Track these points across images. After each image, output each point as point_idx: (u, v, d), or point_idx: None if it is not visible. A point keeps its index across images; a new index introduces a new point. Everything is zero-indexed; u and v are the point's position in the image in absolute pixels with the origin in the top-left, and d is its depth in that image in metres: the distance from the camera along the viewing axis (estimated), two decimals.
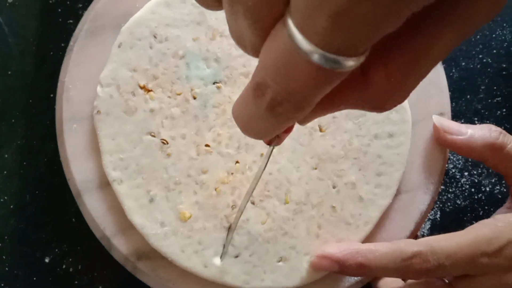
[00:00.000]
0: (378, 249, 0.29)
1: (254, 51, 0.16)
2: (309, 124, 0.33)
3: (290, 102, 0.15)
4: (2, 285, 0.37)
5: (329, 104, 0.18)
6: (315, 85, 0.15)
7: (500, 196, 0.39)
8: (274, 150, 0.33)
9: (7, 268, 0.37)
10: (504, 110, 0.40)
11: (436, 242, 0.29)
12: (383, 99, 0.17)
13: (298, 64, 0.14)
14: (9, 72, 0.38)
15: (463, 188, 0.39)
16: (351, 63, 0.14)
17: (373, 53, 0.16)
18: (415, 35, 0.16)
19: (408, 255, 0.28)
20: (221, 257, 0.32)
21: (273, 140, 0.21)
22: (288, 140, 0.33)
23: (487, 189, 0.39)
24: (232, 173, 0.33)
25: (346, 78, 0.15)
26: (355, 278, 0.33)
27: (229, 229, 0.32)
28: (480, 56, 0.40)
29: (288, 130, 0.20)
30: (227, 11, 0.16)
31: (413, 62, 0.16)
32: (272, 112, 0.16)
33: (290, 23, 0.14)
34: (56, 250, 0.37)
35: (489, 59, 0.40)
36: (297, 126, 0.33)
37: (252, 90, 0.16)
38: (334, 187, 0.33)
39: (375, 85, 0.17)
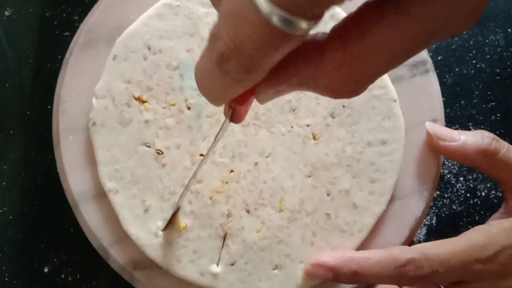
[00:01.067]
0: (371, 257, 0.29)
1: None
2: (303, 132, 0.33)
3: (238, 59, 0.15)
4: None
5: (281, 74, 0.17)
6: (263, 44, 0.15)
7: (495, 201, 0.39)
8: (267, 159, 0.33)
9: (6, 278, 0.37)
10: (499, 115, 0.40)
11: (429, 249, 0.29)
12: (335, 81, 0.17)
13: (250, 18, 0.14)
14: (7, 84, 0.39)
15: (459, 193, 0.39)
16: (304, 25, 0.14)
17: (335, 32, 0.16)
18: (380, 21, 0.16)
19: (402, 262, 0.29)
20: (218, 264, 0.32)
21: (229, 110, 0.20)
22: (281, 149, 0.33)
23: (483, 194, 0.39)
24: (226, 182, 0.33)
25: (302, 51, 0.15)
26: (350, 285, 0.33)
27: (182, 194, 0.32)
28: (474, 61, 0.40)
29: (242, 101, 0.19)
30: None
31: (373, 50, 0.16)
32: (221, 68, 0.16)
33: None
34: (55, 259, 0.37)
35: (482, 64, 0.40)
36: (290, 135, 0.33)
37: (208, 40, 0.16)
38: (328, 195, 0.33)
39: (329, 61, 0.16)
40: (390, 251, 0.30)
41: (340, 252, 0.31)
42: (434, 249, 0.29)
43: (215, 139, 0.25)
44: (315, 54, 0.17)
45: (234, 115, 0.21)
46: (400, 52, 0.16)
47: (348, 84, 0.17)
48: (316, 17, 0.14)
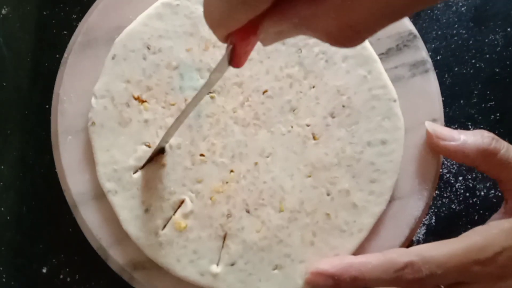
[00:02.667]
0: (370, 261, 0.29)
1: None
2: (302, 132, 0.33)
3: None
4: None
5: (283, 11, 0.17)
6: None
7: (495, 200, 0.39)
8: (267, 159, 0.33)
9: (4, 280, 0.37)
10: (498, 114, 0.40)
11: (427, 251, 0.29)
12: (334, 24, 0.16)
13: None
14: (4, 84, 0.39)
15: (458, 193, 0.39)
16: None
17: None
18: None
19: (400, 266, 0.29)
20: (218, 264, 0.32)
21: (228, 47, 0.20)
22: (281, 149, 0.33)
23: (482, 193, 0.39)
24: (226, 182, 0.33)
25: None
26: None
27: None
28: (473, 61, 0.40)
29: (244, 35, 0.19)
30: None
31: None
32: None
33: None
34: (53, 260, 0.37)
35: (482, 64, 0.40)
36: (290, 135, 0.33)
37: None
38: (328, 195, 0.33)
39: (330, 3, 0.16)
40: (388, 255, 0.30)
41: (338, 259, 0.30)
42: (432, 251, 0.29)
43: (210, 77, 0.24)
44: None
45: (234, 55, 0.20)
46: (395, 2, 0.16)
47: (345, 30, 0.17)
48: None
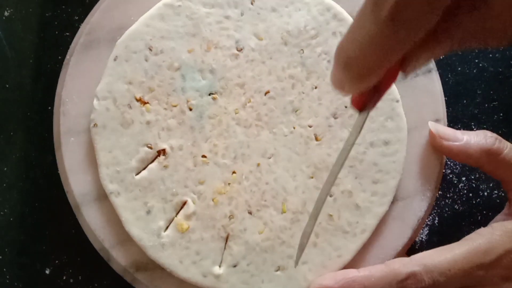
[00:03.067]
0: (373, 274, 0.29)
1: None
2: (305, 133, 0.33)
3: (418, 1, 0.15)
4: None
5: (446, 31, 0.17)
6: None
7: (498, 201, 0.39)
8: (270, 160, 0.33)
9: (7, 280, 0.37)
10: (501, 114, 0.40)
11: (430, 259, 0.29)
12: (498, 24, 0.16)
13: None
14: (7, 85, 0.39)
15: (461, 193, 0.39)
16: None
17: None
18: None
19: (403, 277, 0.29)
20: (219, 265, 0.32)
21: (370, 99, 0.19)
22: (284, 150, 0.33)
23: (485, 193, 0.39)
24: (229, 184, 0.33)
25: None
26: None
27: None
28: (476, 60, 0.40)
29: (394, 76, 0.19)
30: None
31: None
32: (394, 18, 0.15)
33: None
34: (56, 261, 0.37)
35: (485, 64, 0.40)
36: (292, 136, 0.33)
37: (371, 4, 0.15)
38: (330, 196, 0.33)
39: (491, 6, 0.16)
40: (390, 266, 0.30)
41: (342, 273, 0.30)
42: (434, 259, 0.29)
43: (353, 136, 0.22)
44: (479, 1, 0.16)
45: (377, 99, 0.19)
46: None
47: None
48: None
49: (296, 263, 0.31)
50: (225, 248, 0.32)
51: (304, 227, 0.32)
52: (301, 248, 0.30)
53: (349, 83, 0.18)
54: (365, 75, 0.17)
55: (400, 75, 0.19)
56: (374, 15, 0.16)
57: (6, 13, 0.39)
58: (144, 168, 0.33)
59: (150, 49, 0.33)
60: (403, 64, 0.18)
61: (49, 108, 0.38)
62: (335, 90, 0.19)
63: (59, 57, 0.39)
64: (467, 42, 0.17)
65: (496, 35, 0.17)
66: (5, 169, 0.38)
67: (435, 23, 0.16)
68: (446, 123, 0.35)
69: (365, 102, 0.20)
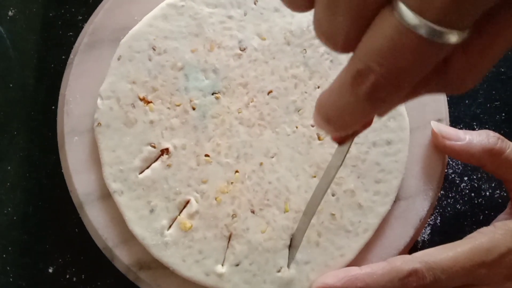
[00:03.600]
0: (375, 272, 0.29)
1: (346, 46, 0.17)
2: (307, 133, 0.33)
3: (393, 83, 0.16)
4: None
5: (413, 92, 0.19)
6: (422, 60, 0.16)
7: (500, 201, 0.39)
8: (272, 160, 0.33)
9: (11, 279, 0.37)
10: (503, 114, 0.40)
11: (431, 256, 0.29)
12: (461, 80, 0.18)
13: (407, 41, 0.15)
14: (10, 85, 0.39)
15: (463, 193, 0.39)
16: (456, 37, 0.15)
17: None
18: (490, 20, 0.17)
19: (404, 274, 0.29)
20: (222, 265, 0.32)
21: (348, 138, 0.22)
22: (286, 149, 0.33)
23: (487, 193, 0.39)
24: (231, 183, 0.33)
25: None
26: None
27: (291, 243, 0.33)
28: None
29: (370, 122, 0.21)
30: (323, 9, 0.17)
31: (488, 44, 0.17)
32: (371, 98, 0.17)
33: (401, 6, 0.15)
34: (60, 260, 0.37)
35: None
36: (295, 135, 0.33)
37: (351, 78, 0.17)
38: (333, 195, 0.33)
39: (454, 67, 0.18)
40: (392, 263, 0.30)
41: (344, 271, 0.30)
42: (436, 257, 0.29)
43: (334, 169, 0.25)
44: (441, 63, 0.18)
45: (354, 136, 0.22)
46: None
47: (472, 80, 0.18)
48: (465, 28, 0.16)
49: (289, 264, 0.31)
50: (227, 247, 0.33)
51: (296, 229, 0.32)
52: (295, 247, 0.31)
53: (328, 132, 0.20)
54: (343, 130, 0.19)
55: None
56: (353, 90, 0.17)
57: (10, 13, 0.39)
58: (147, 167, 0.33)
59: (154, 49, 0.34)
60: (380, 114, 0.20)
61: (53, 107, 0.38)
62: (317, 127, 0.22)
63: (63, 57, 0.39)
64: (428, 93, 0.20)
65: (457, 89, 0.19)
66: (9, 168, 0.38)
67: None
68: (448, 123, 0.35)
69: (343, 140, 0.22)
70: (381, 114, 0.20)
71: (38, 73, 0.39)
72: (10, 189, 0.38)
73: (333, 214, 0.33)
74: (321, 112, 0.19)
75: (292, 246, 0.32)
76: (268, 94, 0.34)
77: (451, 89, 0.19)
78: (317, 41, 0.34)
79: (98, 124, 0.33)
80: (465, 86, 0.18)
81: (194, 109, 0.33)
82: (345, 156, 0.24)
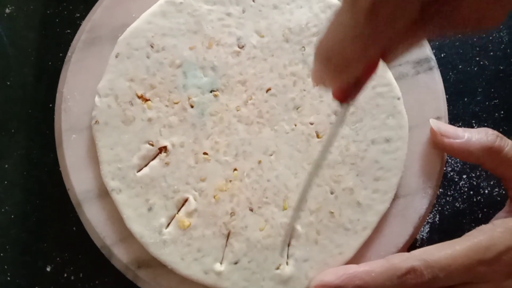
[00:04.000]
0: (373, 269, 0.29)
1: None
2: (306, 131, 0.33)
3: None
4: None
5: (428, 18, 0.17)
6: None
7: (499, 198, 0.39)
8: (271, 157, 0.33)
9: (9, 278, 0.37)
10: (502, 112, 0.40)
11: (430, 254, 0.29)
12: (483, 6, 0.17)
13: None
14: (8, 83, 0.39)
15: (462, 191, 0.39)
16: None
17: None
18: None
19: (403, 272, 0.29)
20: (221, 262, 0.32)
21: (351, 91, 0.20)
22: (285, 147, 0.33)
23: (486, 191, 0.39)
24: (230, 181, 0.33)
25: None
26: None
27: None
28: (477, 58, 0.40)
29: (373, 67, 0.19)
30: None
31: None
32: (371, 17, 0.16)
33: None
34: (58, 259, 0.37)
35: (486, 62, 0.40)
36: (294, 133, 0.33)
37: (347, 1, 0.16)
38: (332, 193, 0.33)
39: None
40: (391, 261, 0.30)
41: (342, 269, 0.30)
42: (434, 255, 0.29)
43: (335, 131, 0.24)
44: None
45: (358, 90, 0.20)
46: None
47: (496, 9, 0.17)
48: None
49: (281, 254, 0.31)
50: (226, 245, 0.32)
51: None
52: (297, 209, 0.31)
53: (329, 77, 0.19)
54: (345, 68, 0.18)
55: (382, 64, 0.19)
56: (353, 10, 0.16)
57: (7, 10, 0.39)
58: (145, 165, 0.33)
59: (152, 46, 0.33)
60: (383, 54, 0.19)
61: (51, 105, 0.38)
62: (317, 85, 0.20)
63: (61, 55, 0.39)
64: (443, 31, 0.18)
65: (470, 24, 0.17)
66: (7, 166, 0.38)
67: (413, 16, 0.16)
68: (447, 120, 0.35)
69: (346, 94, 0.20)
70: (387, 56, 0.18)
71: (37, 71, 0.39)
72: (9, 187, 0.38)
73: (332, 212, 0.33)
74: (321, 50, 0.17)
75: (296, 207, 0.32)
76: (267, 91, 0.34)
77: (465, 24, 0.17)
78: (315, 39, 0.34)
79: (96, 122, 0.33)
80: (487, 15, 0.17)
81: (192, 106, 0.33)
82: (344, 117, 0.22)
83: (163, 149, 0.33)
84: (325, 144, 0.25)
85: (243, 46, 0.34)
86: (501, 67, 0.40)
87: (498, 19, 0.17)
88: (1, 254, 0.37)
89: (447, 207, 0.39)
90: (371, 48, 0.17)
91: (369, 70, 0.19)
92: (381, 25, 0.16)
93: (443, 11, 0.17)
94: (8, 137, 0.38)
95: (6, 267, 0.37)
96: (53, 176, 0.37)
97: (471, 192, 0.39)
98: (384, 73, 0.34)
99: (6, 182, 0.38)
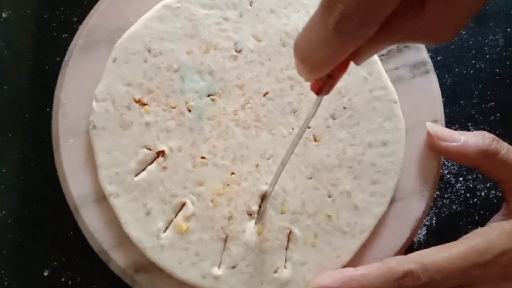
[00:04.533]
0: (370, 273, 0.29)
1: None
2: (304, 134, 0.33)
3: (359, 15, 0.17)
4: None
5: (388, 32, 0.20)
6: None
7: (495, 201, 0.39)
8: (269, 161, 0.33)
9: (6, 282, 0.37)
10: (498, 115, 0.40)
11: (426, 257, 0.29)
12: (435, 28, 0.19)
13: None
14: (5, 87, 0.39)
15: (458, 194, 0.39)
16: None
17: None
18: None
19: (400, 275, 0.29)
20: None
21: (325, 85, 0.23)
22: (282, 150, 0.33)
23: (482, 194, 0.39)
24: (228, 185, 0.33)
25: (404, 7, 0.17)
26: None
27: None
28: (473, 61, 0.40)
29: (344, 67, 0.22)
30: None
31: None
32: (339, 29, 0.18)
33: None
34: (55, 263, 0.37)
35: (482, 64, 0.40)
36: (291, 136, 0.33)
37: (322, 8, 0.18)
38: (329, 196, 0.33)
39: (427, 12, 0.19)
40: (387, 264, 0.30)
41: (339, 273, 0.30)
42: (431, 258, 0.29)
43: (307, 118, 0.27)
44: (417, 7, 0.19)
45: (331, 85, 0.23)
46: None
47: (445, 30, 0.19)
48: None
49: (257, 220, 0.32)
50: (224, 249, 0.32)
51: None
52: (267, 197, 0.32)
53: (305, 73, 0.21)
54: (317, 69, 0.20)
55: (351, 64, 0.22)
56: (324, 22, 0.18)
57: (4, 14, 0.39)
58: (143, 170, 0.33)
59: (149, 51, 0.33)
60: (353, 56, 0.21)
61: (48, 109, 0.38)
62: (300, 75, 0.23)
63: (57, 59, 0.39)
64: (407, 41, 0.20)
65: (432, 37, 0.20)
66: (3, 170, 0.38)
67: (376, 29, 0.19)
68: (444, 123, 0.35)
69: (321, 87, 0.23)
70: (356, 60, 0.20)
71: (33, 74, 0.39)
72: (5, 191, 0.38)
73: (329, 216, 0.33)
74: (296, 51, 0.20)
75: (265, 197, 0.33)
76: (264, 95, 0.34)
77: (427, 37, 0.19)
78: None
79: (93, 126, 0.33)
80: (440, 34, 0.19)
81: (190, 111, 0.33)
82: (317, 108, 0.25)
83: (160, 153, 0.33)
84: (298, 132, 0.28)
85: (240, 50, 0.34)
86: (497, 70, 0.40)
87: (448, 37, 0.20)
88: None
89: (444, 209, 0.39)
90: (339, 55, 0.19)
91: (340, 69, 0.22)
92: (347, 37, 0.18)
93: (401, 28, 0.20)
94: (4, 141, 0.38)
95: (3, 271, 0.37)
96: (50, 180, 0.37)
97: (468, 195, 0.39)
98: (380, 77, 0.34)
99: (2, 186, 0.38)
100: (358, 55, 0.21)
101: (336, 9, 0.17)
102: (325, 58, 0.19)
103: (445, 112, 0.36)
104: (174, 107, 0.33)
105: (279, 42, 0.34)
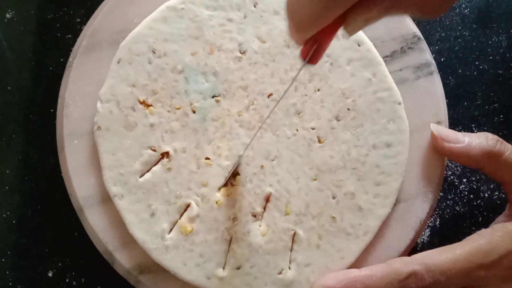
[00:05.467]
0: (374, 274, 0.29)
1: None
2: (308, 135, 0.33)
3: None
4: None
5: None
6: None
7: (499, 202, 0.39)
8: (273, 162, 0.33)
9: (10, 283, 0.37)
10: (502, 116, 0.40)
11: (430, 258, 0.29)
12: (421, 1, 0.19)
13: None
14: (8, 88, 0.39)
15: (462, 195, 0.39)
16: None
17: None
18: None
19: (404, 276, 0.29)
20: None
21: (312, 47, 0.22)
22: (287, 152, 0.33)
23: (486, 195, 0.39)
24: (232, 186, 0.33)
25: None
26: None
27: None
28: (477, 62, 0.41)
29: (331, 32, 0.21)
30: None
31: None
32: None
33: None
34: (59, 264, 0.37)
35: (485, 66, 0.41)
36: (295, 138, 0.33)
37: None
38: (333, 198, 0.33)
39: None
40: (392, 265, 0.30)
41: (343, 273, 0.30)
42: (435, 259, 0.29)
43: (293, 80, 0.27)
44: None
45: (318, 52, 0.23)
46: None
47: (441, 4, 0.19)
48: None
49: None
50: (228, 250, 0.33)
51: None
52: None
53: (293, 33, 0.21)
54: (305, 27, 0.20)
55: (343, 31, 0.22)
56: None
57: (7, 15, 0.39)
58: (147, 171, 0.33)
59: (153, 52, 0.33)
60: (344, 23, 0.21)
61: (51, 110, 0.38)
62: (290, 38, 0.23)
63: (61, 60, 0.39)
64: (395, 10, 0.20)
65: (422, 6, 0.19)
66: (7, 171, 0.38)
67: None
68: (448, 125, 0.35)
69: (308, 52, 0.23)
70: (346, 26, 0.20)
71: (36, 75, 0.39)
72: (9, 192, 0.38)
73: (333, 217, 0.33)
74: (287, 8, 0.20)
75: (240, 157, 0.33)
76: (268, 97, 0.34)
77: (415, 6, 0.19)
78: None
79: (98, 127, 0.33)
80: (429, 5, 0.19)
81: (194, 112, 0.33)
82: (300, 71, 0.25)
83: (165, 154, 0.33)
84: (278, 100, 0.28)
85: (244, 52, 0.34)
86: (500, 71, 0.40)
87: (437, 8, 0.19)
88: (2, 260, 0.37)
89: (448, 210, 0.39)
90: (327, 12, 0.19)
91: (328, 34, 0.22)
92: None
93: None
94: (7, 141, 0.38)
95: (7, 272, 0.37)
96: (53, 181, 0.37)
97: (471, 196, 0.39)
98: (384, 78, 0.34)
99: (6, 187, 0.38)
100: (347, 21, 0.20)
101: None
102: (312, 16, 0.19)
103: (449, 114, 0.36)
104: (178, 108, 0.33)
105: (283, 44, 0.34)
